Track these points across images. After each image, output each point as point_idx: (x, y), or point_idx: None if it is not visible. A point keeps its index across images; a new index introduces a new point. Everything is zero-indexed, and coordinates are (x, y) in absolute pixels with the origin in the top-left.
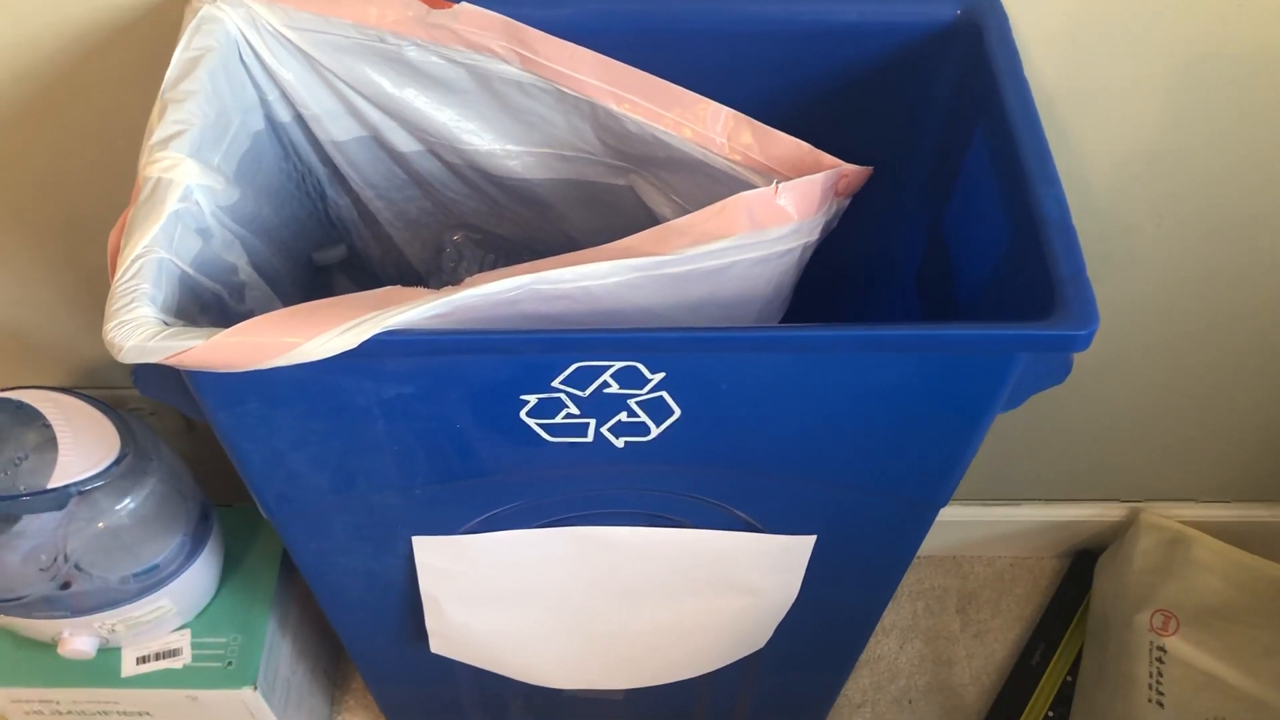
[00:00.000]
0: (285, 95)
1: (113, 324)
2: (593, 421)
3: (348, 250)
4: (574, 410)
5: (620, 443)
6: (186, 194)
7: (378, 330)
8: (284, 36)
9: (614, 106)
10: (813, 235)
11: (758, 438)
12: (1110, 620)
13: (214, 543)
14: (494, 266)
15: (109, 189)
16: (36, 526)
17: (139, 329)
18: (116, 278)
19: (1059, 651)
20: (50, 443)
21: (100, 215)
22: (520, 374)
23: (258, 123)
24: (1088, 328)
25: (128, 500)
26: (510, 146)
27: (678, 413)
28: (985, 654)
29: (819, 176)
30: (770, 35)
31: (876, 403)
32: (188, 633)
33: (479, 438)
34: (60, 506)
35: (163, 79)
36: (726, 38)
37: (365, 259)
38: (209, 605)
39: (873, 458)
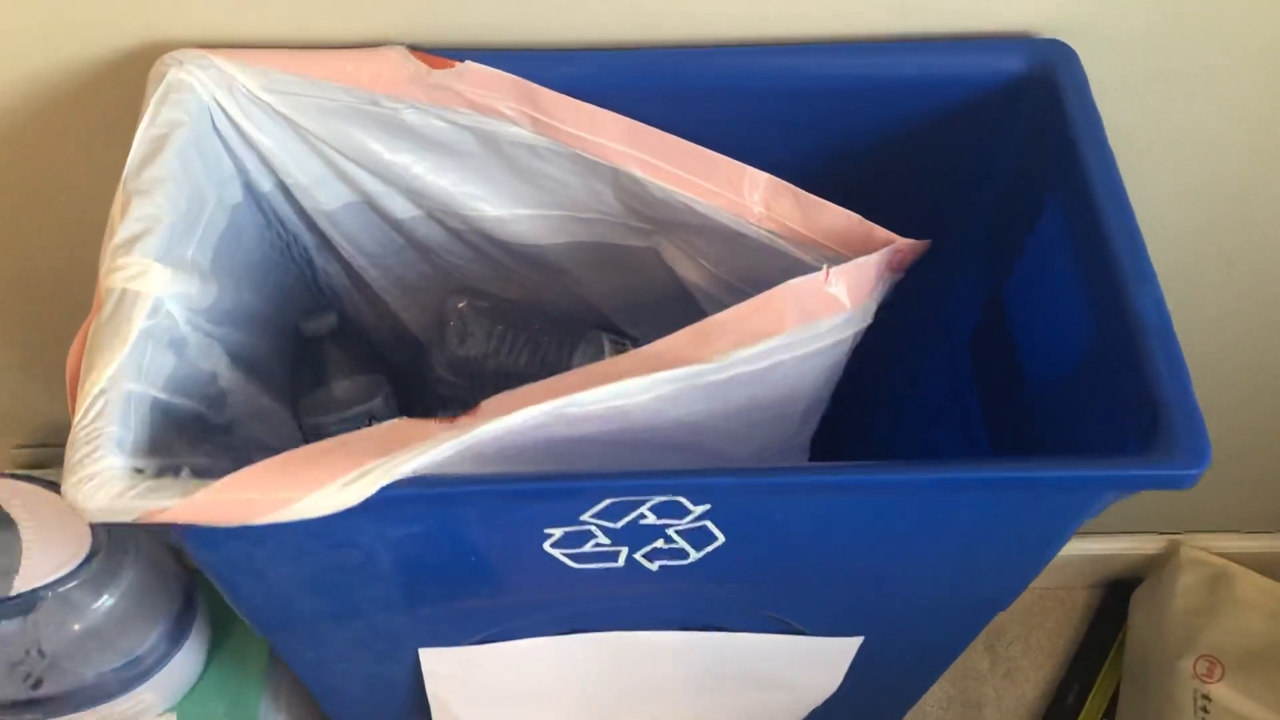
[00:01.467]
0: (266, 163)
1: (74, 478)
2: (625, 549)
3: (338, 318)
4: (604, 540)
5: (654, 566)
6: (156, 307)
7: (386, 482)
8: (263, 101)
9: (638, 172)
10: (866, 321)
11: (809, 560)
12: (1150, 664)
13: (200, 624)
14: (503, 338)
15: (68, 245)
16: (1, 630)
17: (105, 485)
18: (78, 418)
19: (1094, 691)
20: (12, 536)
21: (60, 272)
22: (546, 511)
23: (235, 195)
24: (1198, 466)
25: (104, 597)
26: (519, 210)
27: (722, 539)
28: (1016, 694)
29: (874, 257)
30: (816, 91)
31: (943, 531)
32: (172, 717)
33: (496, 568)
34: (27, 612)
35: (126, 132)
36: (765, 94)
37: (358, 326)
38: (196, 684)
39: (934, 575)
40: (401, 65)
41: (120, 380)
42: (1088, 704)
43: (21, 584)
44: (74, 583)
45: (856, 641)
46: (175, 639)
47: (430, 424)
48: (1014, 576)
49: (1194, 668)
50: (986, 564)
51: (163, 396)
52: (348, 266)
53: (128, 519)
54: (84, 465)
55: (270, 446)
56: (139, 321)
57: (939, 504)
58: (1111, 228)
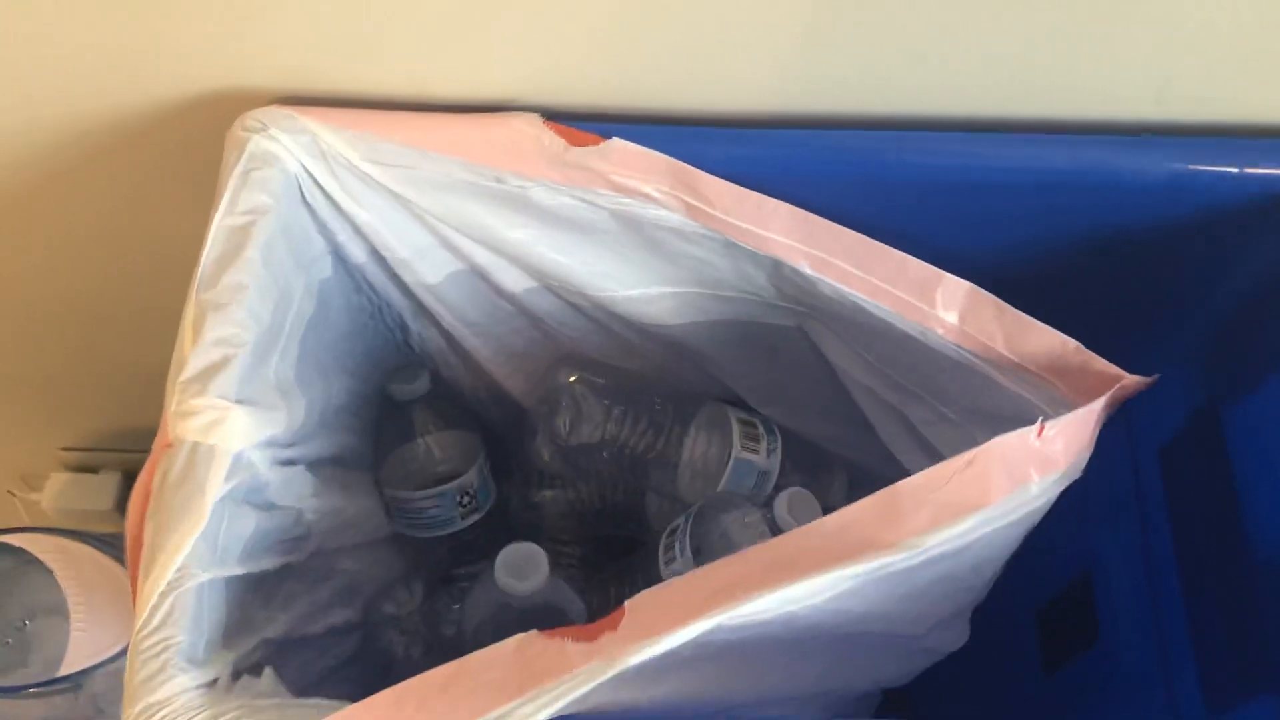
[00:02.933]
0: (361, 234)
1: (139, 708)
2: None
3: (431, 380)
4: None
5: None
6: (236, 465)
7: None
8: (363, 172)
9: (807, 268)
10: (1078, 474)
11: None
12: None
13: None
14: (621, 421)
15: (111, 277)
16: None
17: (176, 717)
18: (140, 622)
19: None
20: (59, 601)
21: (115, 289)
22: None
23: (324, 270)
24: None
25: None
26: (653, 290)
27: None
28: None
29: (1098, 406)
30: (1039, 185)
31: None
32: None
33: None
34: (77, 690)
35: (191, 178)
36: (977, 188)
37: (454, 388)
38: None
39: None
40: (533, 138)
41: (191, 570)
42: None
43: (71, 664)
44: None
45: None
46: None
47: (565, 643)
48: None
49: None
50: None
51: (240, 571)
52: (446, 334)
53: None
54: (149, 689)
55: (352, 546)
56: (215, 488)
57: None
58: None
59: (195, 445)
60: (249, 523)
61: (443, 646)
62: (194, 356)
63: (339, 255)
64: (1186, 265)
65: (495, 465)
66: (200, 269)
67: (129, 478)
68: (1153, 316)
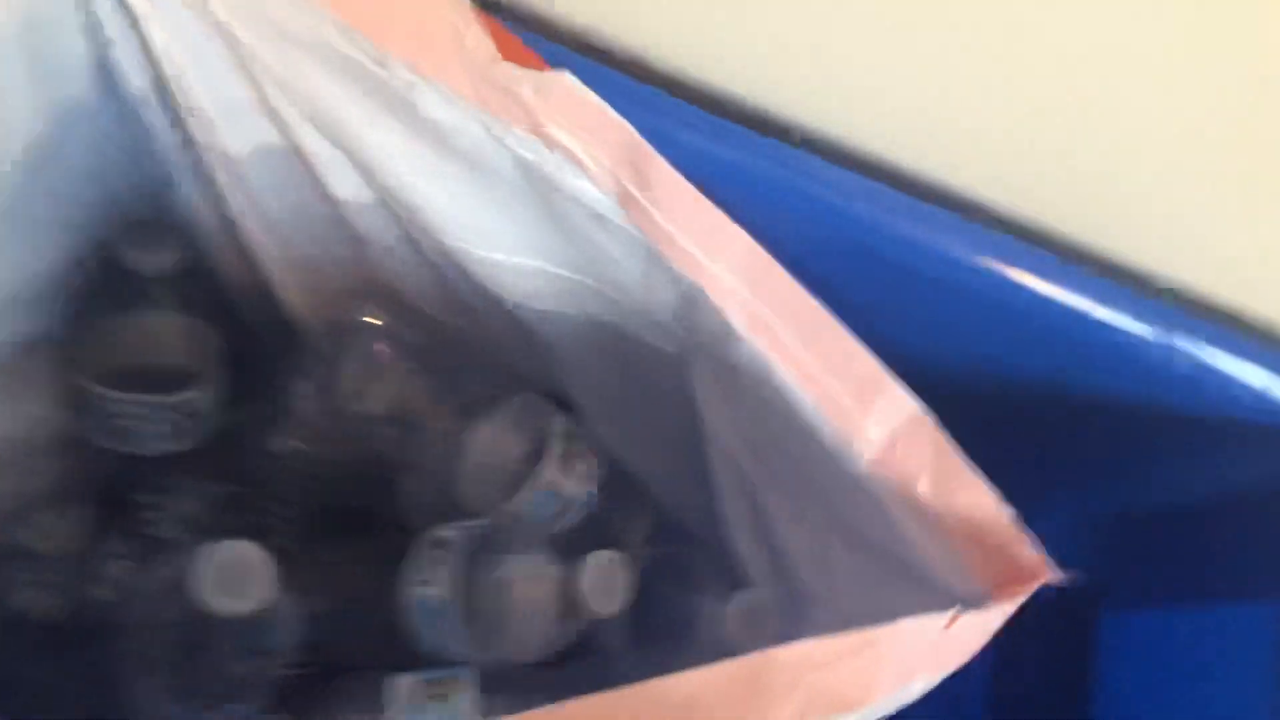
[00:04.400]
0: (151, 58)
1: None
2: None
3: (183, 257)
4: None
5: None
6: None
7: None
8: None
9: (742, 327)
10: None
11: None
12: None
13: None
14: (420, 397)
15: None
16: None
17: None
18: None
19: None
20: None
21: None
22: None
23: (76, 88)
24: None
25: None
26: (528, 262)
27: None
28: None
29: (1011, 609)
30: (1029, 308)
31: None
32: None
33: None
34: None
35: None
36: (957, 288)
37: (212, 273)
38: None
39: None
40: (452, 29)
41: None
42: None
43: None
44: None
45: None
46: None
47: None
48: None
49: None
50: None
51: None
52: (227, 217)
53: None
54: None
55: None
56: None
57: None
58: None
59: None
60: None
61: (94, 609)
62: None
63: (107, 74)
64: (1132, 436)
65: (237, 379)
66: None
67: None
68: (1076, 465)
